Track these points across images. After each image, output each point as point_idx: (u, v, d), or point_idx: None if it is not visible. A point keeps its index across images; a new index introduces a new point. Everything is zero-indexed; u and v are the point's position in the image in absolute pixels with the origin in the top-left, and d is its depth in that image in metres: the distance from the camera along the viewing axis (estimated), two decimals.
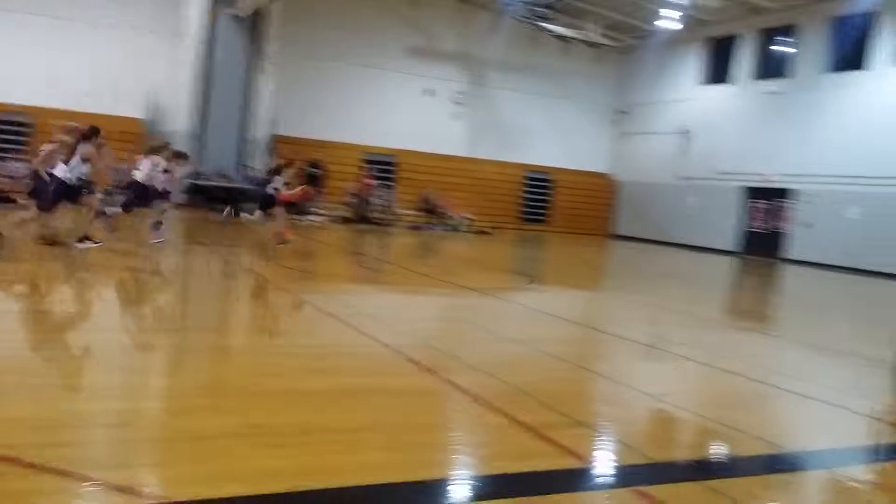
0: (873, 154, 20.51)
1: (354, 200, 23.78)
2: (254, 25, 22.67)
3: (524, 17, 25.60)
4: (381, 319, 7.56)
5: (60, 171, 9.74)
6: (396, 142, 25.99)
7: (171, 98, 21.74)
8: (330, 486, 3.19)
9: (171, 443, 3.61)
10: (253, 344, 6.41)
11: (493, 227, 25.64)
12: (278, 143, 23.18)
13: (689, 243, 25.53)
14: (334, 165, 24.29)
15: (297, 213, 22.28)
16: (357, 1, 25.27)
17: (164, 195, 12.19)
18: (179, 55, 21.83)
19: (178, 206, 20.97)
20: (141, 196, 11.71)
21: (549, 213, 29.34)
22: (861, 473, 4.14)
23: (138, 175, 11.65)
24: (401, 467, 3.54)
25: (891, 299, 15.68)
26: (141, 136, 20.25)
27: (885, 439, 5.17)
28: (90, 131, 10.12)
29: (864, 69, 21.56)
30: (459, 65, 27.36)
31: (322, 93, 24.80)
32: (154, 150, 12.42)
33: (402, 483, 3.33)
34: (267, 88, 22.85)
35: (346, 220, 23.01)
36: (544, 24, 26.06)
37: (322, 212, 22.88)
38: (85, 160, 9.82)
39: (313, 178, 22.90)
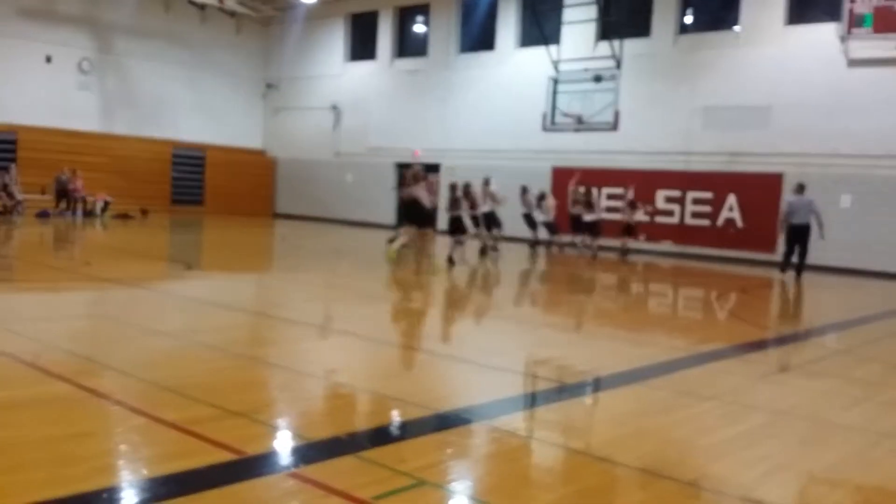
0: (502, 129, 22.81)
1: None
2: None
3: None
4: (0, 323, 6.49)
5: None
6: (14, 116, 22.60)
7: None
8: None
9: None
10: None
11: (142, 211, 23.71)
12: None
13: (350, 219, 26.19)
14: None
15: None
16: None
17: None
18: None
19: None
20: None
21: (204, 194, 27.91)
22: (511, 423, 4.46)
23: None
24: (24, 489, 3.05)
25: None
26: None
27: (529, 390, 5.72)
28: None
29: (491, 50, 23.81)
30: (83, 29, 24.52)
31: None
32: None
33: None
34: None
35: None
36: None
37: None
38: None
39: None
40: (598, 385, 5.66)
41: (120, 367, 5.15)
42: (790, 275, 14.72)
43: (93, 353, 5.63)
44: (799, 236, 14.44)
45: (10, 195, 20.90)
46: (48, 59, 23.64)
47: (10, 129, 22.61)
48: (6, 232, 16.95)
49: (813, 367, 6.82)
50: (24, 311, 7.48)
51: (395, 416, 4.54)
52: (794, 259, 14.66)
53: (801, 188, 14.65)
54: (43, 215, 21.00)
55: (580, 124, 19.52)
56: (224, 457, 3.54)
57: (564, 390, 5.39)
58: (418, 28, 26.17)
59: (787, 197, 15.57)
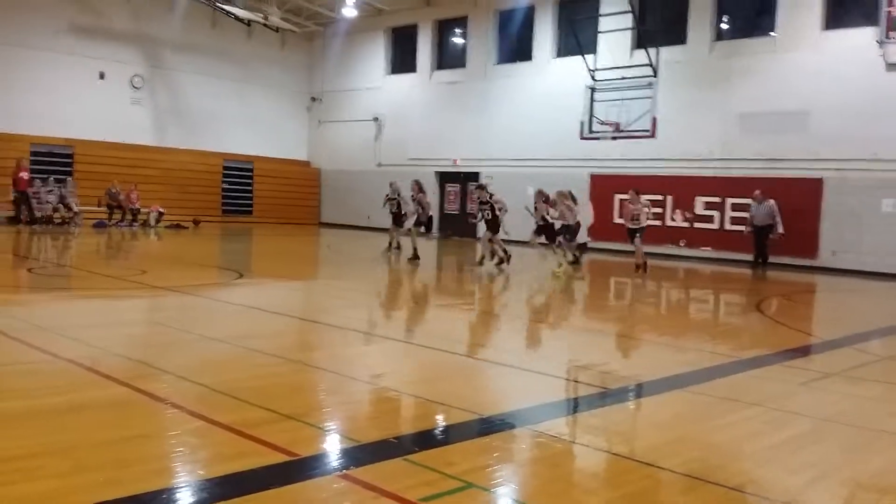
0: (540, 138, 22.85)
1: (17, 197, 20.90)
2: None
3: None
4: (60, 330, 6.74)
5: None
6: (71, 131, 23.39)
7: None
8: None
9: None
10: None
11: (194, 221, 24.28)
12: None
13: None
14: None
15: None
16: None
17: None
18: None
19: None
20: None
21: (253, 204, 28.49)
22: (554, 428, 4.51)
23: None
24: (85, 490, 3.17)
25: None
26: None
27: (573, 395, 5.77)
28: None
29: (528, 60, 23.91)
30: (135, 46, 25.32)
31: None
32: None
33: None
34: None
35: (12, 221, 20.31)
36: (224, 6, 25.06)
37: None
38: None
39: None
40: (640, 390, 5.69)
41: (175, 372, 5.32)
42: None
43: (149, 357, 5.81)
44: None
45: (68, 207, 21.62)
46: (102, 76, 24.44)
47: (67, 143, 23.40)
48: (64, 242, 17.51)
49: (857, 373, 6.74)
50: (83, 319, 7.77)
51: (441, 420, 4.63)
52: None
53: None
54: (99, 226, 21.64)
55: (618, 132, 19.50)
56: (277, 458, 3.65)
57: (607, 396, 5.43)
58: (457, 40, 26.41)
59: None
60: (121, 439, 3.88)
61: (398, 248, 17.38)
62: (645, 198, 20.79)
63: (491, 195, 15.32)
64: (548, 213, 15.44)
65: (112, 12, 24.70)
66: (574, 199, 16.36)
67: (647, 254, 18.12)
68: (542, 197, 15.61)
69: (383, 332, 8.05)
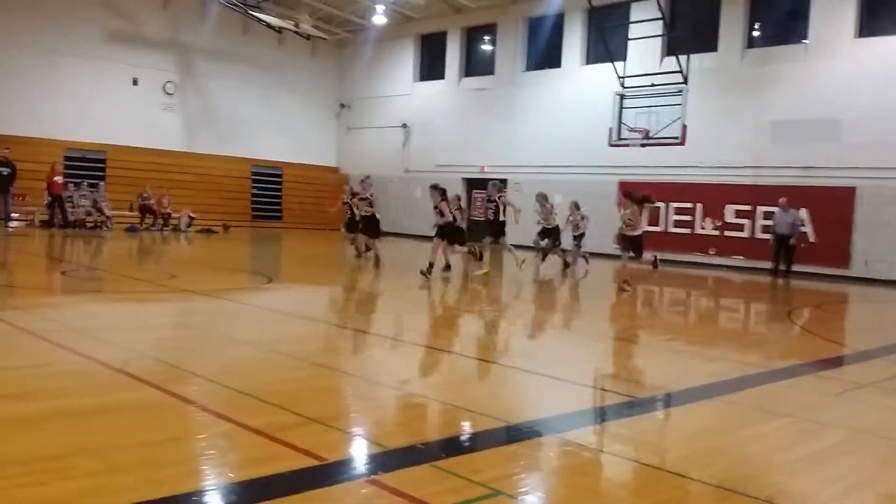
0: (568, 145, 22.81)
1: (50, 202, 21.30)
2: None
3: (234, 4, 24.70)
4: (91, 333, 6.84)
5: None
6: (104, 136, 23.81)
7: None
8: None
9: None
10: None
11: (223, 226, 24.54)
12: None
13: (418, 233, 26.46)
14: (31, 164, 21.46)
15: None
16: None
17: None
18: None
19: None
20: None
21: (282, 209, 28.73)
22: (582, 437, 4.49)
23: None
24: (115, 491, 3.20)
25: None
26: None
27: (600, 403, 5.73)
28: None
29: (557, 67, 23.88)
30: (168, 52, 25.73)
31: (6, 82, 21.98)
32: None
33: None
34: None
35: (46, 224, 20.68)
36: (255, 14, 25.38)
37: (18, 216, 20.38)
38: None
39: (1, 178, 20.05)
40: (669, 400, 5.63)
41: (204, 375, 5.38)
42: None
43: (179, 360, 5.87)
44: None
45: (101, 211, 21.97)
46: (135, 82, 24.84)
47: (100, 147, 23.78)
48: (97, 246, 17.78)
49: (891, 384, 6.61)
50: (115, 321, 7.87)
51: (468, 427, 4.62)
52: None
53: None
54: (131, 230, 21.94)
55: (647, 139, 19.38)
56: (305, 462, 3.67)
57: (636, 405, 5.38)
58: (485, 47, 26.46)
59: None
60: (152, 441, 3.92)
61: (361, 255, 15.81)
62: (673, 205, 20.79)
63: (500, 195, 14.81)
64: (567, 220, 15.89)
65: (146, 19, 25.12)
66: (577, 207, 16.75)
67: (672, 261, 18.00)
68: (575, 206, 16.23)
69: (409, 337, 8.06)
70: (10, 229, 19.28)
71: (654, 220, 14.68)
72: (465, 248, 14.10)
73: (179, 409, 4.58)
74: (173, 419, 4.38)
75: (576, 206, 16.80)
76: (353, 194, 16.61)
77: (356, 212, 16.02)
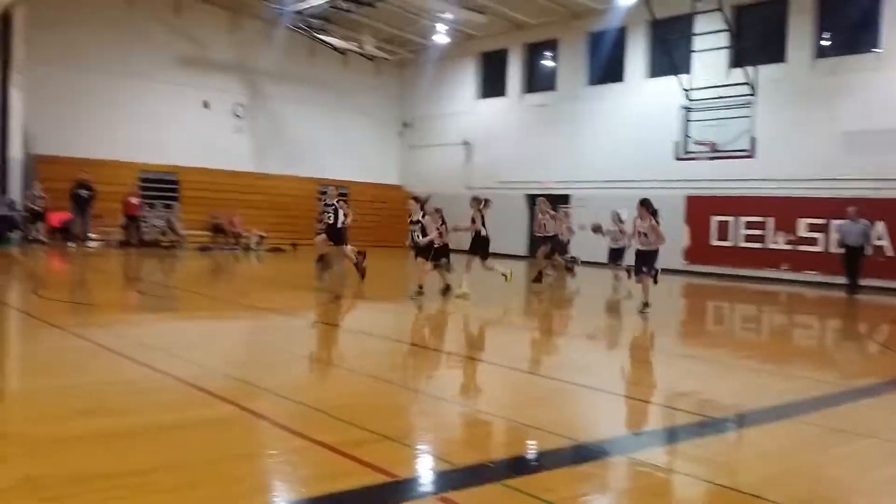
0: (632, 159, 22.54)
1: (126, 222, 22.12)
2: (1, 32, 20.37)
3: (299, 27, 25.31)
4: (167, 349, 7.05)
5: None
6: (177, 158, 24.60)
7: None
8: None
9: None
10: (23, 387, 5.70)
11: (292, 244, 25.03)
12: (40, 163, 21.14)
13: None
14: (108, 186, 22.34)
15: (68, 239, 20.58)
16: (116, 7, 23.60)
17: None
18: None
19: None
20: None
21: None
22: (653, 457, 4.42)
23: None
24: None
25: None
26: None
27: (671, 423, 5.63)
28: None
29: (620, 81, 23.68)
30: (237, 76, 26.51)
31: (85, 106, 22.89)
32: None
33: None
34: (17, 101, 20.59)
35: (123, 244, 21.45)
36: (320, 36, 25.93)
37: (96, 236, 21.20)
38: None
39: (80, 199, 20.96)
40: (744, 420, 5.49)
41: (276, 390, 5.48)
42: None
43: (251, 376, 5.99)
44: None
45: (174, 231, 22.71)
46: (206, 105, 25.64)
47: (173, 170, 24.59)
48: (171, 265, 18.35)
49: None
50: (189, 338, 8.10)
51: (537, 445, 4.58)
52: None
53: None
54: (204, 250, 22.56)
55: (715, 152, 19.03)
56: (377, 479, 3.71)
57: (709, 424, 5.26)
58: (547, 63, 26.45)
59: None
60: (227, 456, 4.01)
61: (326, 267, 14.82)
62: (743, 219, 20.28)
63: (423, 214, 12.35)
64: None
65: (215, 45, 25.94)
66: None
67: (743, 277, 17.51)
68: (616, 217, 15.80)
69: (476, 354, 8.07)
70: (89, 249, 20.05)
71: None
72: (491, 265, 13.05)
73: (253, 424, 4.68)
74: (247, 435, 4.48)
75: (618, 218, 16.06)
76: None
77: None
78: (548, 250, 16.22)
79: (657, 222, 11.16)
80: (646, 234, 11.08)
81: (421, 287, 11.91)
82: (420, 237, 12.17)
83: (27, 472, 3.56)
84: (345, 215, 13.94)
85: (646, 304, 11.04)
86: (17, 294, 11.72)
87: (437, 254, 12.32)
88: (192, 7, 25.25)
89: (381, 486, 3.64)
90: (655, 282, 11.39)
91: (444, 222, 12.71)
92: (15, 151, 20.59)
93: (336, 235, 13.83)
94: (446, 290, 12.33)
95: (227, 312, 10.30)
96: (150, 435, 4.32)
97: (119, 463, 3.78)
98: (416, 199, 12.72)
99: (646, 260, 11.21)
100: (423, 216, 12.25)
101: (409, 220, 12.53)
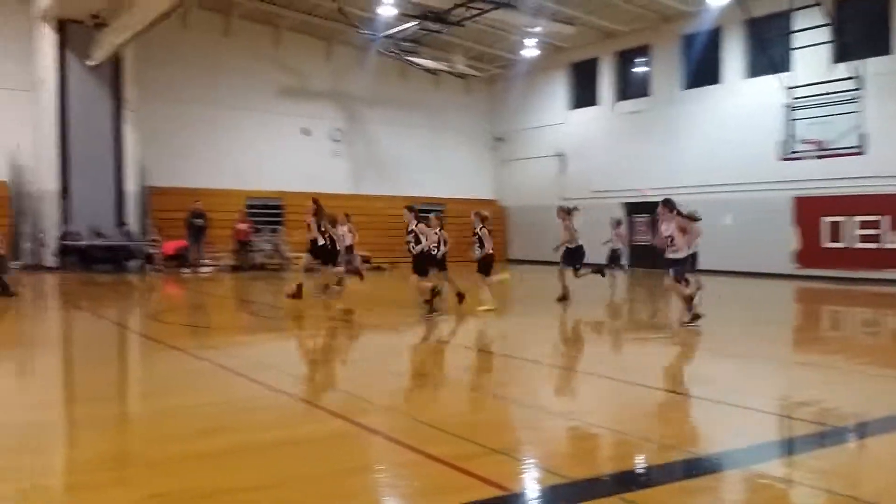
0: (733, 162, 21.87)
1: (237, 247, 23.14)
2: (113, 73, 21.75)
3: (391, 51, 25.87)
4: (280, 368, 7.34)
5: None
6: (280, 184, 25.58)
7: (33, 156, 20.72)
8: None
9: None
10: (148, 408, 6.07)
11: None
12: (153, 195, 22.39)
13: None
14: (219, 213, 23.45)
15: (182, 266, 21.70)
16: (218, 43, 24.80)
17: None
18: (38, 112, 20.77)
19: (49, 269, 19.95)
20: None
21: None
22: (772, 469, 4.31)
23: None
24: None
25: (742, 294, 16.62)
26: (7, 199, 19.48)
27: (789, 434, 5.45)
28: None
29: (717, 83, 23.08)
30: (333, 102, 27.36)
31: (192, 139, 24.17)
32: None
33: None
34: (131, 137, 21.93)
35: (234, 269, 22.40)
36: (411, 59, 26.43)
37: (209, 262, 22.23)
38: None
39: (196, 228, 22.17)
40: (867, 429, 5.25)
41: (385, 405, 5.63)
42: None
43: (361, 391, 6.16)
44: None
45: (280, 254, 23.59)
46: (305, 132, 26.58)
47: (277, 195, 25.57)
48: (278, 287, 19.03)
49: None
50: (299, 356, 8.42)
51: (651, 458, 4.53)
52: None
53: None
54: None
55: (822, 150, 18.23)
56: (491, 492, 3.75)
57: (829, 434, 5.07)
58: (638, 69, 26.06)
59: None
60: (341, 471, 4.13)
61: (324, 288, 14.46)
62: (856, 219, 19.30)
63: (418, 222, 12.19)
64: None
65: (313, 74, 26.88)
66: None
67: (858, 280, 16.61)
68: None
69: (579, 366, 8.03)
70: (203, 275, 21.03)
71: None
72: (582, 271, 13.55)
73: (365, 439, 4.81)
74: (360, 449, 4.61)
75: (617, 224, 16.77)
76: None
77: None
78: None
79: (690, 224, 10.57)
80: (672, 238, 10.17)
81: (430, 304, 11.57)
82: (414, 247, 12.06)
83: (153, 490, 3.77)
84: (426, 238, 12.29)
85: (696, 316, 10.17)
86: (137, 319, 12.46)
87: (437, 264, 12.27)
88: (290, 39, 26.26)
89: (495, 499, 3.68)
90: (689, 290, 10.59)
91: (442, 229, 12.75)
92: (130, 185, 21.90)
93: (416, 263, 12.36)
94: (461, 297, 12.50)
95: (334, 330, 10.62)
96: (265, 451, 4.48)
97: (239, 479, 3.96)
98: (409, 208, 12.65)
99: (674, 266, 10.25)
100: (416, 225, 12.11)
101: (405, 230, 12.49)
